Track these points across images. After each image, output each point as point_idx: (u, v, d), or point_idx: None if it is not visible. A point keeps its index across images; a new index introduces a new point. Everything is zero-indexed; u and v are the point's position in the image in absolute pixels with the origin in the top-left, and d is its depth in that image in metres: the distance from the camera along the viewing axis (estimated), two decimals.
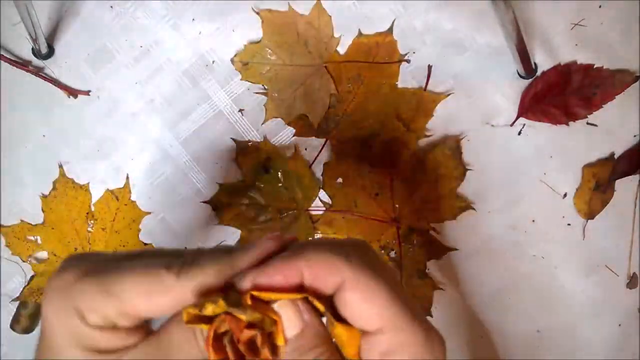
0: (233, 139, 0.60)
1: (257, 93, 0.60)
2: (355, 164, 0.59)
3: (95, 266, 0.25)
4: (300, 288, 0.24)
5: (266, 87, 0.60)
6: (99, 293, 0.24)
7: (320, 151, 0.59)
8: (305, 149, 0.60)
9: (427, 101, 0.58)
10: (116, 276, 0.24)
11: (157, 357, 0.25)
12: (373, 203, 0.59)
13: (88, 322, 0.25)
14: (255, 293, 0.23)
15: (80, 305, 0.25)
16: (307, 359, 0.24)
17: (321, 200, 0.60)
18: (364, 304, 0.23)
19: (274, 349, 0.24)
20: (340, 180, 0.59)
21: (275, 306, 0.24)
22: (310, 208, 0.60)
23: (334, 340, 0.25)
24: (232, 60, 0.60)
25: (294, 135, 0.60)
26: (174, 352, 0.25)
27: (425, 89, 0.59)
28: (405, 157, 0.58)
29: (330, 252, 0.24)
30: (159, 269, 0.24)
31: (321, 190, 0.60)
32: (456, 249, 0.59)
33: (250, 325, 0.23)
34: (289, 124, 0.60)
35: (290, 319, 0.24)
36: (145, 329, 0.26)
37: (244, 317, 0.23)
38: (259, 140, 0.60)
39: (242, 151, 0.60)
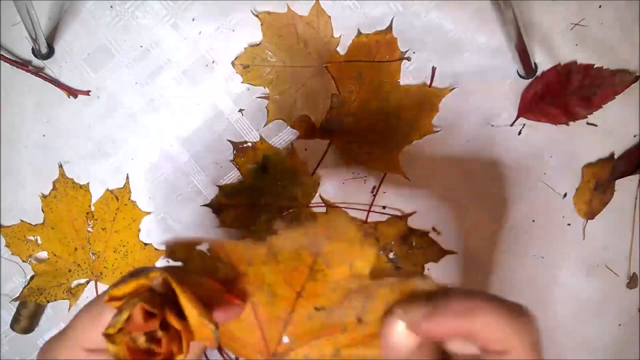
0: (229, 141, 0.60)
1: (258, 97, 0.60)
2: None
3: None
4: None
5: (267, 89, 0.60)
6: (63, 344, 0.27)
7: (325, 153, 0.59)
8: (306, 149, 0.60)
9: (431, 96, 0.58)
10: (70, 322, 0.27)
11: None
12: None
13: None
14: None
15: None
16: None
17: (321, 197, 0.60)
18: (494, 337, 0.23)
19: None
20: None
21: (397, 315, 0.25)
22: (310, 204, 0.60)
23: None
24: (232, 64, 0.60)
25: (297, 138, 0.60)
26: None
27: (430, 87, 0.59)
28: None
29: (506, 319, 0.24)
30: (93, 300, 0.27)
31: (320, 186, 0.60)
32: (455, 252, 0.59)
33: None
34: (292, 126, 0.60)
35: (404, 340, 0.25)
36: None
37: (124, 314, 0.23)
38: (255, 141, 0.60)
39: (240, 152, 0.60)
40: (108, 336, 0.23)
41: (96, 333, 0.25)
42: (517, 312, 0.24)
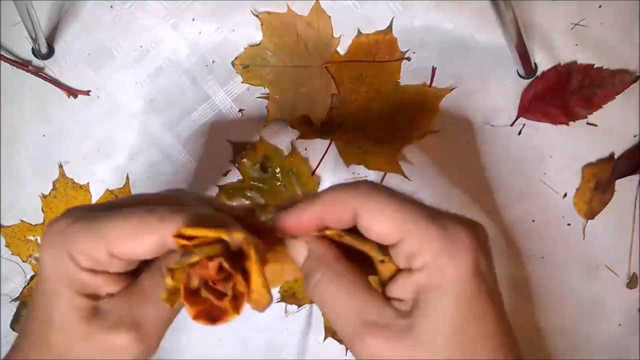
0: (229, 141, 0.60)
1: (258, 97, 0.60)
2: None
3: (88, 213, 0.28)
4: (325, 228, 0.28)
5: (267, 89, 0.60)
6: (88, 236, 0.26)
7: (325, 153, 0.59)
8: (305, 149, 0.60)
9: (431, 97, 0.58)
10: (104, 220, 0.27)
11: (132, 302, 0.27)
12: None
13: (80, 265, 0.27)
14: (187, 232, 0.25)
15: (72, 249, 0.26)
16: (312, 280, 0.27)
17: None
18: (377, 222, 0.26)
19: (246, 278, 0.25)
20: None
21: (288, 244, 0.29)
22: None
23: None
24: (232, 64, 0.60)
25: (298, 138, 0.60)
26: (146, 297, 0.27)
27: (430, 87, 0.59)
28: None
29: (339, 189, 0.27)
30: (143, 213, 0.26)
31: (320, 186, 0.60)
32: None
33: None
34: (292, 126, 0.60)
35: (297, 250, 0.28)
36: (131, 279, 0.29)
37: (194, 258, 0.24)
38: (255, 141, 0.60)
39: (239, 152, 0.60)
40: (171, 270, 0.24)
41: (133, 243, 0.26)
42: (350, 183, 0.28)
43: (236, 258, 0.25)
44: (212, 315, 0.25)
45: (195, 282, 0.25)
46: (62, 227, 0.27)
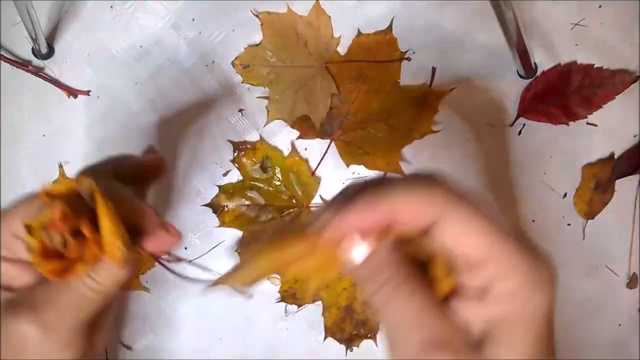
0: (229, 141, 0.60)
1: (258, 97, 0.60)
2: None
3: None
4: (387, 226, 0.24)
5: (267, 89, 0.60)
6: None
7: (326, 153, 0.59)
8: (305, 149, 0.60)
9: (431, 97, 0.58)
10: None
11: (39, 289, 0.27)
12: None
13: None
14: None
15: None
16: (372, 284, 0.24)
17: (321, 197, 0.60)
18: (464, 239, 0.23)
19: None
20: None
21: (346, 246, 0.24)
22: (310, 205, 0.60)
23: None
24: (232, 64, 0.60)
25: (297, 138, 0.60)
26: (63, 288, 0.26)
27: (430, 87, 0.59)
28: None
29: (423, 187, 0.23)
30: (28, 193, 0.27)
31: (320, 186, 0.60)
32: None
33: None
34: (292, 126, 0.60)
35: (352, 248, 0.24)
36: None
37: (47, 211, 0.24)
38: (255, 141, 0.60)
39: (239, 152, 0.60)
40: (28, 227, 0.24)
41: (20, 213, 0.27)
42: (427, 178, 0.24)
43: (92, 210, 0.25)
44: (65, 271, 0.24)
45: (56, 241, 0.24)
46: None
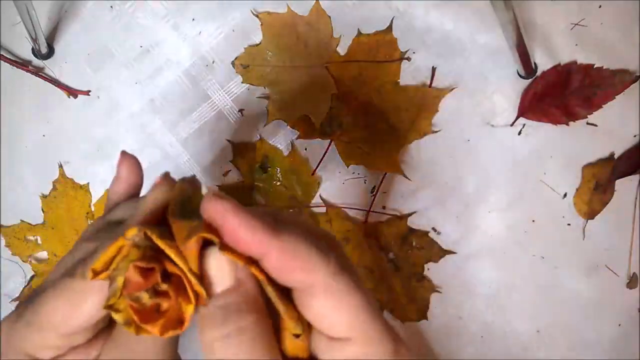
0: (229, 141, 0.60)
1: (258, 97, 0.60)
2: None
3: (26, 304, 0.24)
4: (248, 260, 0.21)
5: (267, 89, 0.60)
6: (32, 330, 0.24)
7: (326, 153, 0.59)
8: (305, 149, 0.60)
9: (431, 97, 0.58)
10: (39, 306, 0.24)
11: (119, 356, 0.24)
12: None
13: (43, 359, 0.24)
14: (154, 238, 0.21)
15: (25, 347, 0.24)
16: (231, 324, 0.21)
17: (321, 198, 0.60)
18: (335, 312, 0.21)
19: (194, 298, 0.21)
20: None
21: (214, 252, 0.21)
22: (310, 205, 0.60)
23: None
24: (232, 64, 0.60)
25: (297, 138, 0.60)
26: (131, 343, 0.24)
27: (430, 87, 0.59)
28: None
29: (309, 247, 0.21)
30: (64, 282, 0.23)
31: (320, 186, 0.60)
32: (454, 252, 0.59)
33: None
34: (292, 126, 0.60)
35: (221, 272, 0.21)
36: (106, 332, 0.25)
37: (119, 281, 0.21)
38: (255, 141, 0.60)
39: (239, 152, 0.60)
40: (110, 307, 0.21)
41: (77, 315, 0.23)
42: (320, 238, 0.22)
43: (159, 249, 0.22)
44: (176, 321, 0.22)
45: (146, 298, 0.21)
46: (6, 330, 0.24)
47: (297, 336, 0.22)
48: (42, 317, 0.23)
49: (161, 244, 0.21)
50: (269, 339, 0.21)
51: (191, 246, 0.21)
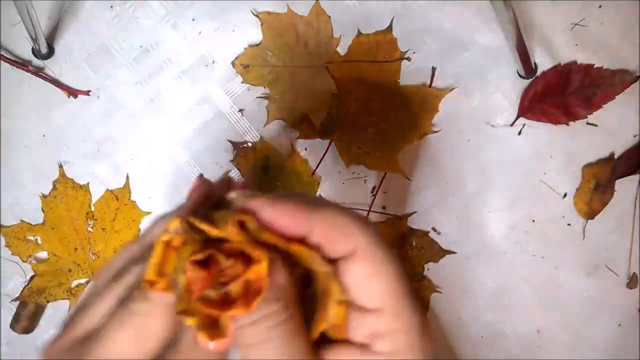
0: (229, 141, 0.60)
1: (258, 97, 0.60)
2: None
3: (78, 344, 0.23)
4: (287, 239, 0.22)
5: (267, 89, 0.60)
6: None
7: (326, 152, 0.59)
8: (306, 149, 0.60)
9: (431, 97, 0.58)
10: (100, 347, 0.22)
11: None
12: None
13: None
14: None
15: None
16: (259, 311, 0.21)
17: (321, 197, 0.60)
18: (372, 279, 0.22)
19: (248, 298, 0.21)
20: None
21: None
22: None
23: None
24: (232, 64, 0.60)
25: (297, 138, 0.60)
26: (194, 354, 0.23)
27: (430, 87, 0.59)
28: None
29: (348, 217, 0.22)
30: (122, 312, 0.22)
31: (320, 186, 0.60)
32: (454, 252, 0.59)
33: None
34: (292, 126, 0.60)
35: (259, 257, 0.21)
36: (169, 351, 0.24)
37: (214, 231, 0.21)
38: (256, 141, 0.60)
39: (240, 152, 0.60)
40: (183, 312, 0.20)
41: (149, 340, 0.22)
42: (356, 213, 0.23)
43: (206, 235, 0.21)
44: (255, 292, 0.21)
45: (214, 294, 0.21)
46: None
47: (340, 303, 0.22)
48: (110, 352, 0.22)
49: (205, 226, 0.21)
50: (297, 326, 0.22)
51: (231, 231, 0.21)
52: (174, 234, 0.21)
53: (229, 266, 0.21)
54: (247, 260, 0.21)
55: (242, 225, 0.21)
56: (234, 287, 0.21)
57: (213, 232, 0.21)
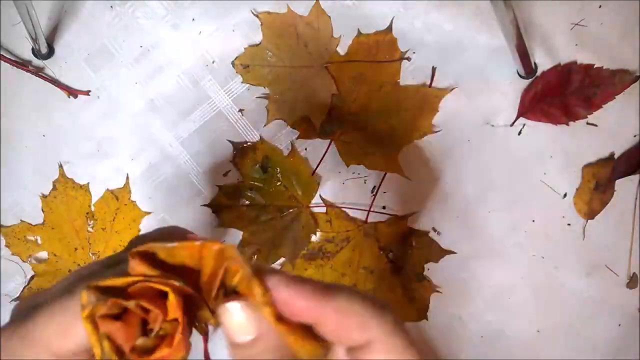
0: (229, 141, 0.60)
1: (258, 97, 0.60)
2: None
3: (25, 314, 0.23)
4: (305, 327, 0.21)
5: (267, 89, 0.60)
6: (25, 344, 0.22)
7: (326, 153, 0.59)
8: (306, 149, 0.60)
9: (431, 97, 0.58)
10: (34, 319, 0.23)
11: None
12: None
13: None
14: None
15: None
16: None
17: (321, 197, 0.60)
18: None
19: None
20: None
21: (236, 305, 0.21)
22: (310, 205, 0.60)
23: None
24: (232, 64, 0.60)
25: (297, 138, 0.60)
26: None
27: (430, 87, 0.59)
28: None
29: (364, 305, 0.22)
30: (61, 300, 0.22)
31: (320, 186, 0.60)
32: (454, 252, 0.59)
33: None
34: (292, 126, 0.60)
35: (246, 321, 0.21)
36: None
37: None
38: (256, 141, 0.60)
39: (239, 152, 0.60)
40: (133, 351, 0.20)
41: (69, 339, 0.22)
42: (372, 299, 0.22)
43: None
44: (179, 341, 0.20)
45: (140, 342, 0.20)
46: (4, 342, 0.23)
47: None
48: (36, 334, 0.22)
49: (109, 281, 0.20)
50: None
51: (132, 267, 0.20)
52: (89, 306, 0.20)
53: (147, 307, 0.20)
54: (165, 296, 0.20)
55: (148, 257, 0.20)
56: (167, 327, 0.20)
57: (117, 282, 0.20)
